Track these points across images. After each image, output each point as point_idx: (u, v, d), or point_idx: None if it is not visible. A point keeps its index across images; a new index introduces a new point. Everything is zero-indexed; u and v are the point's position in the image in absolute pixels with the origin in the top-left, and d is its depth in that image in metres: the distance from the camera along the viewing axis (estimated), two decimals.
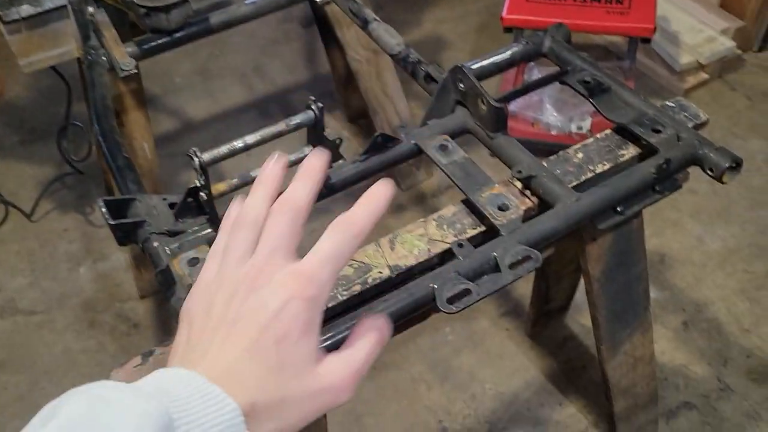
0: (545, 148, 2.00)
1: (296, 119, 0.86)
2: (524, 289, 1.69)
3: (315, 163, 0.53)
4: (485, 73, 1.14)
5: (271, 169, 0.54)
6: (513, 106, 2.03)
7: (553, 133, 2.00)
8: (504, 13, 1.99)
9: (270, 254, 0.49)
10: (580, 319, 1.69)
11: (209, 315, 0.48)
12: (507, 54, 1.14)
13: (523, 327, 1.72)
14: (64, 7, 1.39)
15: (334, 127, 2.28)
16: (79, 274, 1.91)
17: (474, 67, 1.12)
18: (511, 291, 1.79)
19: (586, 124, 1.99)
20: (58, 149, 1.79)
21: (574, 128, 2.00)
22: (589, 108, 1.80)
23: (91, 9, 1.29)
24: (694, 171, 1.00)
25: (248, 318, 0.46)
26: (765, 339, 1.65)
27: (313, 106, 0.86)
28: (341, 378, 0.48)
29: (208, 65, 2.54)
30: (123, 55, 1.17)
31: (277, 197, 0.53)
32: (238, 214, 0.53)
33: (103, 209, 0.87)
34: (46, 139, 2.26)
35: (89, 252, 1.96)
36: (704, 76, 2.17)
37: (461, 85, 1.05)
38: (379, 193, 0.52)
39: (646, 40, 1.93)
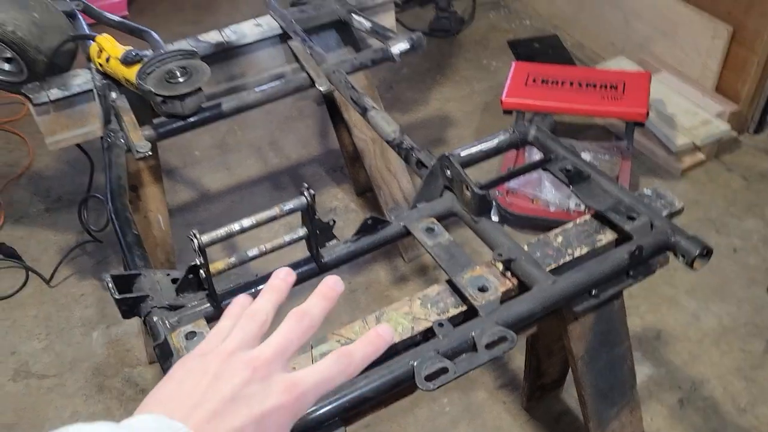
0: (544, 224, 2.06)
1: (289, 204, 0.93)
2: (521, 361, 1.72)
3: (334, 287, 0.61)
4: (474, 160, 1.22)
5: (281, 280, 0.63)
6: (513, 183, 2.10)
7: (552, 209, 2.06)
8: (504, 97, 2.09)
9: (276, 353, 0.56)
10: (575, 393, 1.71)
11: (204, 378, 0.55)
12: (494, 142, 1.22)
13: (520, 400, 1.74)
14: (90, 90, 1.51)
15: (343, 199, 2.37)
16: (92, 339, 1.98)
17: (462, 154, 1.20)
18: (508, 363, 1.82)
19: None
20: (79, 219, 1.90)
21: (572, 205, 2.06)
22: None
23: (114, 95, 1.41)
24: None
25: (245, 403, 0.53)
26: (762, 419, 1.66)
27: (305, 193, 0.94)
28: None
29: (226, 139, 2.67)
30: (139, 138, 1.27)
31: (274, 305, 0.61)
32: (248, 308, 0.61)
33: (110, 284, 0.94)
34: (70, 207, 2.38)
35: (104, 316, 2.03)
36: (700, 156, 2.23)
37: (448, 172, 1.13)
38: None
39: (640, 124, 2.01)
